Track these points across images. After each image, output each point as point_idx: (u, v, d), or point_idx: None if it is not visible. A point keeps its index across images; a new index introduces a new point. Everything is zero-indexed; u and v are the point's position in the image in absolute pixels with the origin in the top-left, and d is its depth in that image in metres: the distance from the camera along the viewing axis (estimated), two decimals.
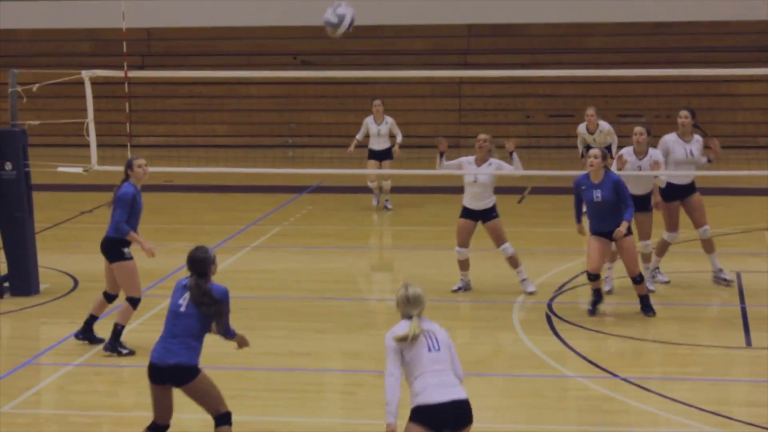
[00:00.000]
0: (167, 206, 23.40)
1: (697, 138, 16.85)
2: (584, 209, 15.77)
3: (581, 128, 21.55)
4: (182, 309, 10.66)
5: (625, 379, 13.36)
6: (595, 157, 15.45)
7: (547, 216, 22.24)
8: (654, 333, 15.10)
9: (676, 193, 16.86)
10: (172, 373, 10.53)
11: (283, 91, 29.55)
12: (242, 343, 11.30)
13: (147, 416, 10.77)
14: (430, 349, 9.76)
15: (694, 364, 14.04)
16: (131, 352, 14.16)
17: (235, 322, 11.55)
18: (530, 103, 29.16)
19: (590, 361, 13.99)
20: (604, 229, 15.47)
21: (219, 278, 10.47)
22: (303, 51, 30.18)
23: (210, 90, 29.78)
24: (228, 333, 10.99)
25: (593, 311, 15.67)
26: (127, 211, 14.21)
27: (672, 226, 16.97)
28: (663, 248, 17.21)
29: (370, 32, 30.21)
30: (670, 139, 16.87)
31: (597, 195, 15.40)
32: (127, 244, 14.34)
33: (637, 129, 16.62)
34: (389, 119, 22.03)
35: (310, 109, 29.65)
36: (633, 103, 27.45)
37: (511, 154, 16.69)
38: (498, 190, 16.98)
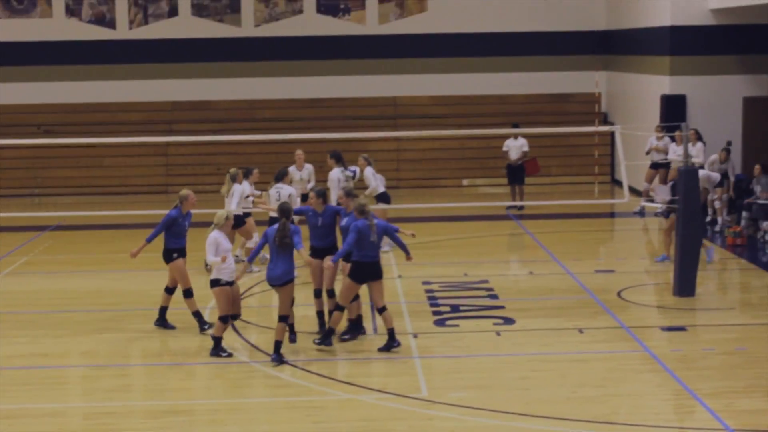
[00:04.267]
0: None
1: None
2: None
3: (292, 168, 19.91)
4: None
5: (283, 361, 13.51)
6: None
7: None
8: None
9: None
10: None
11: (29, 153, 28.56)
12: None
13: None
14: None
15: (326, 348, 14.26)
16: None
17: None
18: (222, 159, 28.97)
19: (253, 345, 14.06)
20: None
21: None
22: (45, 122, 29.30)
23: None
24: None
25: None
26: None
27: None
28: None
29: (97, 108, 29.68)
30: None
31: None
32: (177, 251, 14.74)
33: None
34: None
35: (51, 166, 28.78)
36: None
37: None
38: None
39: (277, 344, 13.26)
